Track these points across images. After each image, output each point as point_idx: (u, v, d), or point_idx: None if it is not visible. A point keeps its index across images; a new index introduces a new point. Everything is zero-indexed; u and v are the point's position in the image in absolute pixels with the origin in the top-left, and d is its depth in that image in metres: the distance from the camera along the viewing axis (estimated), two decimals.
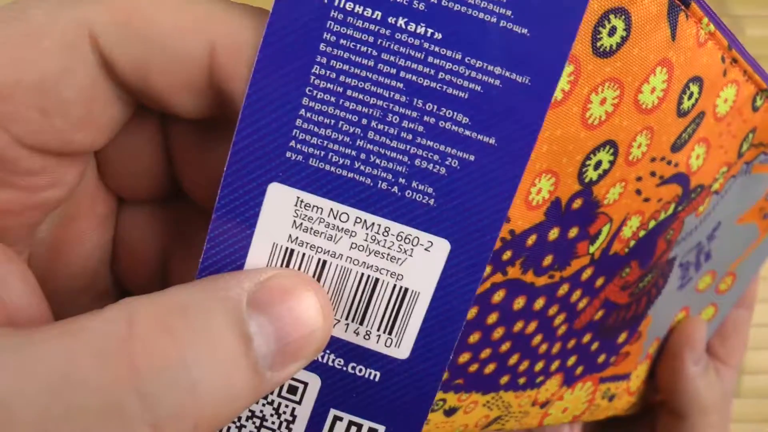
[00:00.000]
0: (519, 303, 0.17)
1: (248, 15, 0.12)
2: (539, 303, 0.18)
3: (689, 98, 0.17)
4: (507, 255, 0.16)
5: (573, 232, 0.17)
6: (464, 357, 0.18)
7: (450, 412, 0.19)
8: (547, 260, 0.17)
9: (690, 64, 0.16)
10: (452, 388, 0.18)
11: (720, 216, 0.23)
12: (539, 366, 0.20)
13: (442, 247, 0.12)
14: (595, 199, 0.17)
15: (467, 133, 0.12)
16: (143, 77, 0.11)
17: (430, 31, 0.11)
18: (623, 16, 0.14)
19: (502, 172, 0.12)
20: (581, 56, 0.14)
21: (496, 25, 0.11)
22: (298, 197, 0.12)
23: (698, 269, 0.25)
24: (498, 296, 0.17)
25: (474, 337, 0.17)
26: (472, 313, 0.17)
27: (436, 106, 0.12)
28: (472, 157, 0.12)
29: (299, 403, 0.13)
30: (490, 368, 0.19)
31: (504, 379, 0.19)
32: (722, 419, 0.26)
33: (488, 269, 0.16)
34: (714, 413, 0.26)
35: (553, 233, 0.17)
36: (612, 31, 0.14)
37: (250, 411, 0.13)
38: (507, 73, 0.11)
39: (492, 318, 0.17)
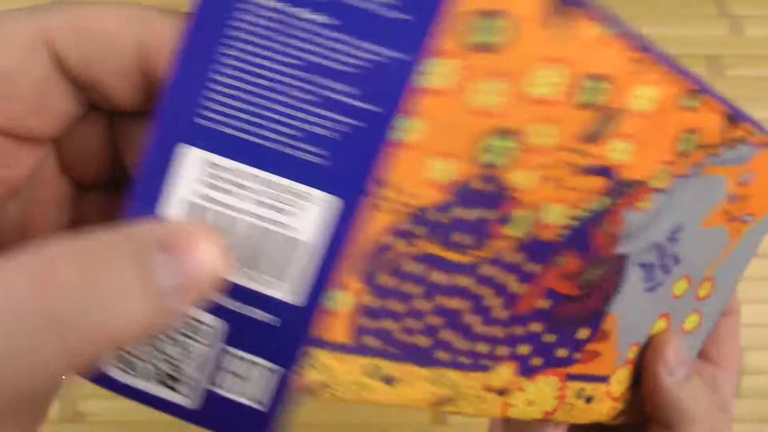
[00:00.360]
0: (437, 277, 0.19)
1: (174, 17, 0.15)
2: (461, 281, 0.20)
3: (591, 92, 0.19)
4: (416, 230, 0.18)
5: (479, 213, 0.19)
6: (389, 324, 0.20)
7: (389, 380, 0.21)
8: (456, 237, 0.19)
9: (587, 61, 0.18)
10: (383, 355, 0.20)
11: (679, 218, 0.24)
12: (482, 348, 0.22)
13: (330, 202, 0.15)
14: (498, 182, 0.19)
15: (356, 103, 0.15)
16: (88, 71, 0.15)
17: (327, 18, 0.14)
18: (504, 15, 0.16)
19: (384, 136, 0.15)
20: (463, 50, 0.16)
21: (383, 13, 0.14)
22: (207, 159, 0.15)
23: (667, 272, 0.25)
24: (411, 267, 0.19)
25: (395, 306, 0.19)
26: (388, 282, 0.19)
27: (330, 80, 0.15)
28: (360, 124, 0.15)
29: (201, 342, 0.16)
30: (422, 341, 0.20)
31: (441, 355, 0.21)
32: (715, 426, 0.26)
33: (402, 243, 0.18)
34: (703, 422, 0.26)
35: (458, 212, 0.19)
36: (494, 29, 0.16)
37: (156, 348, 0.16)
38: (389, 52, 0.14)
39: (409, 287, 0.19)
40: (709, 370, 0.29)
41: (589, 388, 0.25)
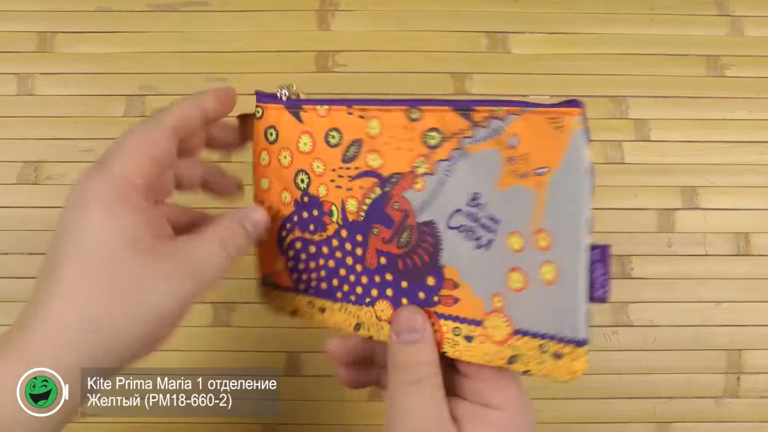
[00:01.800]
0: (312, 249, 0.38)
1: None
2: (325, 249, 0.38)
3: (333, 138, 0.36)
4: (288, 225, 0.39)
5: (315, 212, 0.38)
6: (304, 275, 0.39)
7: (322, 309, 0.39)
8: (311, 227, 0.38)
9: (321, 126, 0.37)
10: (310, 294, 0.39)
11: (470, 188, 0.33)
12: (359, 290, 0.37)
13: None
14: (313, 195, 0.38)
15: None
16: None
17: None
18: (273, 128, 0.38)
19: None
20: (266, 145, 0.39)
21: None
22: None
23: (491, 231, 0.33)
24: (298, 245, 0.39)
25: (301, 265, 0.39)
26: (291, 254, 0.39)
27: None
28: None
29: None
30: (323, 285, 0.39)
31: (339, 295, 0.38)
32: (414, 379, 0.34)
33: (286, 233, 0.39)
34: (401, 373, 0.34)
35: (304, 214, 0.38)
36: (271, 134, 0.38)
37: None
38: None
39: (303, 255, 0.39)
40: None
41: (464, 328, 0.34)
